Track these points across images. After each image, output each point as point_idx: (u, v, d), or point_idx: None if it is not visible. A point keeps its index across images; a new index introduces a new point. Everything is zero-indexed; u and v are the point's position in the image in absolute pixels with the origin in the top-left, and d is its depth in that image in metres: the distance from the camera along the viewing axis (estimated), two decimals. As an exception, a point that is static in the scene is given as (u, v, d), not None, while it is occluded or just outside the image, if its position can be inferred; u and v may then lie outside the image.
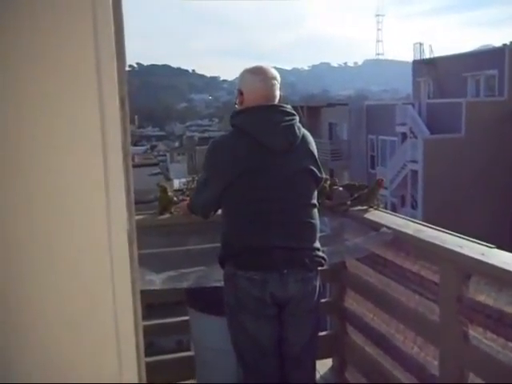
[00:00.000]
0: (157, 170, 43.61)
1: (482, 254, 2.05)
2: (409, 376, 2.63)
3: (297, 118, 2.38)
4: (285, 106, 2.38)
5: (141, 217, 2.97)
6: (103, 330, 0.75)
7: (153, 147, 72.64)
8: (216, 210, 2.46)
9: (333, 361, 3.41)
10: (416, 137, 20.47)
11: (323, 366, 3.43)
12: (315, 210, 2.41)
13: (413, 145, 20.45)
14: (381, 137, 24.65)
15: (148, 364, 2.77)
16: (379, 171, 23.50)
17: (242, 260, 2.29)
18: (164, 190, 2.99)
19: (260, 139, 2.27)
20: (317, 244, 2.38)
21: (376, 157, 25.31)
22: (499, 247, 2.11)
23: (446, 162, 18.62)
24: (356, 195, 3.02)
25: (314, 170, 2.40)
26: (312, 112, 29.56)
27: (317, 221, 2.40)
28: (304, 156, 2.39)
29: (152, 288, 2.44)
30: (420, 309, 2.48)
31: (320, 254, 2.37)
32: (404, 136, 21.79)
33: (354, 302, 3.16)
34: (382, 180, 3.13)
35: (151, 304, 3.34)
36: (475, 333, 2.11)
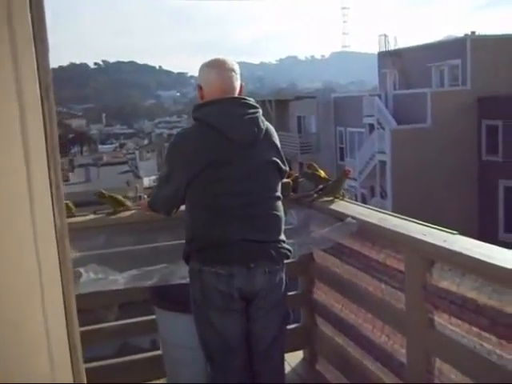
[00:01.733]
0: (126, 168, 43.20)
1: (445, 241, 2.06)
2: (378, 365, 2.63)
3: (260, 110, 2.37)
4: (247, 98, 2.37)
5: (102, 215, 2.90)
6: (33, 333, 0.71)
7: (122, 145, 71.80)
8: (179, 206, 2.42)
9: (304, 353, 3.41)
10: (383, 128, 20.70)
11: (294, 358, 3.42)
12: (280, 203, 2.40)
13: (380, 136, 20.68)
14: (349, 129, 24.86)
15: (121, 364, 2.74)
16: (348, 163, 23.71)
17: (207, 255, 2.25)
18: (101, 195, 2.94)
19: (224, 132, 2.24)
20: (282, 236, 2.36)
21: (345, 148, 25.53)
22: (462, 233, 2.12)
23: (413, 151, 18.90)
24: (321, 186, 3.01)
25: (278, 162, 2.39)
26: (280, 106, 29.60)
27: (282, 213, 2.39)
28: (268, 148, 2.37)
29: (115, 288, 2.39)
30: (387, 298, 2.48)
31: (286, 246, 2.36)
32: (372, 127, 22.01)
33: (322, 294, 3.16)
34: (349, 171, 3.13)
35: (124, 304, 3.27)
36: (440, 319, 2.13)
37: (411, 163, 18.78)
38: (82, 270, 2.43)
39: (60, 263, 0.72)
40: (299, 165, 26.72)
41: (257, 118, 2.32)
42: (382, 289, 2.52)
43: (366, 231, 2.55)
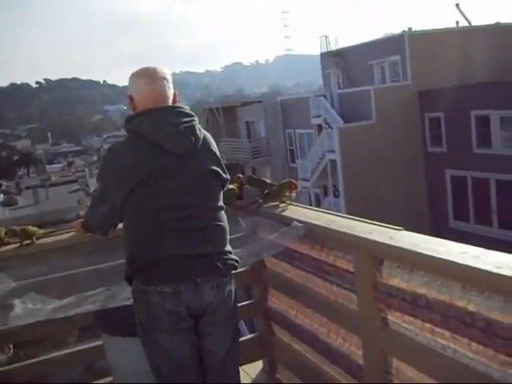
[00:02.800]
0: (76, 186, 42.20)
1: (391, 238, 2.03)
2: (337, 369, 2.59)
3: (196, 119, 2.27)
4: (182, 106, 2.27)
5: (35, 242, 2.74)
6: None
7: (70, 163, 70.16)
8: (116, 225, 2.29)
9: (263, 362, 3.34)
10: (331, 127, 20.93)
11: (254, 368, 3.35)
12: (223, 213, 2.31)
13: (329, 135, 20.89)
14: (298, 130, 25.02)
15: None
16: (299, 164, 23.88)
17: (150, 274, 2.13)
18: (12, 233, 2.68)
19: (159, 142, 2.13)
20: (228, 247, 2.27)
21: (295, 150, 25.67)
22: (415, 226, 2.10)
23: (361, 148, 19.17)
24: (266, 192, 2.94)
25: (219, 170, 2.30)
26: (228, 112, 29.56)
27: (226, 223, 2.30)
28: (207, 157, 2.28)
29: (55, 317, 2.25)
30: (339, 300, 2.44)
31: (232, 257, 2.27)
32: (320, 127, 22.23)
33: (277, 301, 3.10)
34: (293, 183, 2.97)
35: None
36: (393, 318, 2.09)
37: (360, 160, 19.05)
38: (17, 301, 2.28)
39: None
40: (252, 169, 26.73)
41: (193, 127, 2.22)
42: (334, 291, 2.47)
43: (314, 234, 2.50)
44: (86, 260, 2.75)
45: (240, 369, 3.31)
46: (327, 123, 21.37)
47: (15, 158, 74.40)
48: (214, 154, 2.32)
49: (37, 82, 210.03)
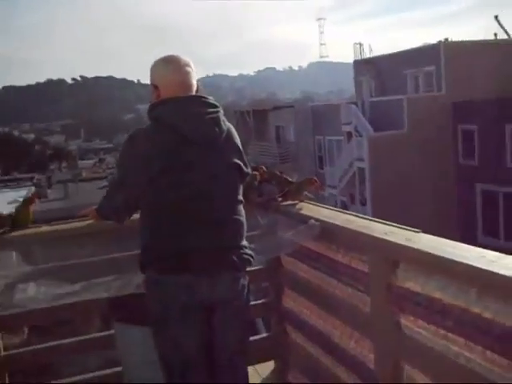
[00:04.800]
0: (105, 183, 42.77)
1: (408, 240, 1.97)
2: (348, 373, 2.54)
3: (221, 110, 2.23)
4: (207, 96, 2.23)
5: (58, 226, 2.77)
6: None
7: (101, 160, 71.17)
8: (132, 213, 2.28)
9: (275, 363, 3.29)
10: (361, 135, 20.77)
11: (265, 368, 3.31)
12: (241, 207, 2.28)
13: (358, 143, 20.74)
14: (327, 137, 24.93)
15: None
16: (328, 171, 23.77)
17: (165, 264, 2.11)
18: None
19: (183, 131, 2.09)
20: (244, 242, 2.24)
21: (324, 157, 25.56)
22: (425, 232, 2.04)
23: (390, 157, 18.97)
24: (286, 190, 2.92)
25: (240, 164, 2.27)
26: (259, 116, 29.62)
27: (243, 218, 2.27)
28: (229, 150, 2.24)
29: (68, 301, 2.26)
30: (353, 302, 2.39)
31: (248, 251, 2.24)
32: (350, 135, 22.08)
33: (291, 301, 3.06)
34: (314, 180, 2.96)
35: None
36: (407, 322, 2.04)
37: (389, 169, 18.85)
38: (32, 284, 2.30)
39: None
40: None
41: (218, 118, 2.19)
42: (348, 293, 2.43)
43: (331, 233, 2.46)
44: (102, 248, 2.76)
45: (251, 368, 3.30)
46: (357, 131, 21.22)
47: (48, 152, 75.98)
48: (237, 146, 2.29)
49: (72, 79, 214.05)
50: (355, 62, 27.10)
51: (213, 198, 2.15)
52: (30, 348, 2.81)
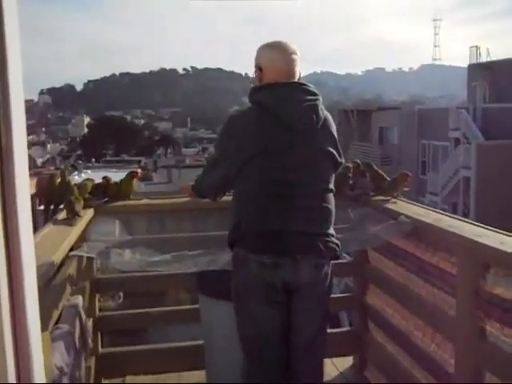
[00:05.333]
0: (206, 170, 44.08)
1: (501, 243, 1.90)
2: (427, 375, 2.48)
3: (320, 98, 2.26)
4: (307, 84, 2.27)
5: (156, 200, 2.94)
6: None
7: (204, 149, 73.44)
8: (226, 191, 2.38)
9: (353, 358, 3.28)
10: (469, 142, 19.83)
11: (344, 363, 3.31)
12: (331, 195, 2.29)
13: (466, 150, 19.83)
14: (433, 142, 24.03)
15: (157, 351, 2.72)
16: (430, 177, 22.92)
17: (253, 243, 2.18)
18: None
19: (281, 117, 2.15)
20: (331, 230, 2.26)
21: (427, 162, 24.68)
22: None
23: (501, 168, 17.92)
24: (380, 185, 2.89)
25: (334, 153, 2.29)
26: (362, 115, 29.13)
27: (333, 206, 2.29)
28: (325, 138, 2.27)
29: (158, 269, 2.40)
30: (439, 304, 2.33)
31: (334, 240, 2.26)
32: (457, 141, 21.17)
33: (375, 297, 3.03)
34: (408, 175, 2.93)
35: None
36: (492, 329, 1.96)
37: (498, 180, 17.83)
38: (128, 251, 2.47)
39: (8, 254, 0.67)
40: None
41: (316, 106, 2.22)
42: (434, 294, 2.37)
43: (420, 231, 2.41)
44: (198, 225, 2.89)
45: (329, 360, 3.31)
46: (466, 138, 20.29)
47: (156, 137, 79.55)
48: (333, 135, 2.31)
49: (184, 69, 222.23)
50: (470, 65, 25.88)
51: (304, 183, 2.19)
52: (121, 312, 3.01)
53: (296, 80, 2.27)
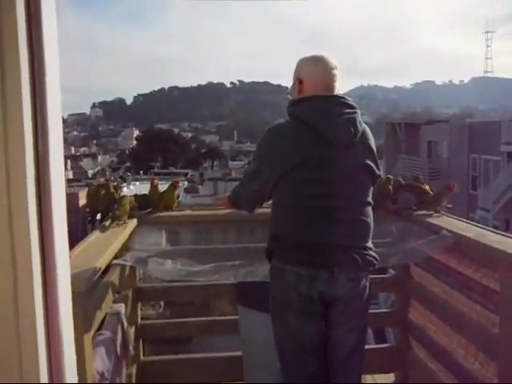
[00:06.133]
0: (252, 184, 44.36)
1: (546, 260, 1.84)
2: (469, 395, 2.41)
3: (358, 111, 2.27)
4: (346, 97, 2.28)
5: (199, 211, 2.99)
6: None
7: (250, 162, 73.73)
8: (262, 203, 2.40)
9: (395, 375, 3.22)
10: (523, 156, 19.22)
11: (385, 379, 3.27)
12: (370, 208, 2.28)
13: (518, 165, 19.20)
14: (484, 156, 23.39)
15: (198, 360, 2.75)
16: (481, 193, 22.30)
17: (291, 254, 2.20)
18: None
19: (321, 130, 2.16)
20: (369, 243, 2.25)
21: (478, 177, 24.02)
22: None
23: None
24: (422, 199, 2.85)
25: (372, 166, 2.28)
26: (410, 129, 28.66)
27: (371, 219, 2.27)
28: (363, 151, 2.27)
29: (198, 279, 2.44)
30: (481, 321, 2.27)
31: (372, 253, 2.24)
32: (510, 156, 20.53)
33: (417, 313, 2.98)
34: (453, 185, 2.92)
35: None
36: (537, 348, 1.90)
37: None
38: (169, 261, 2.52)
39: (43, 255, 0.71)
40: (426, 191, 25.55)
41: (354, 119, 2.23)
42: (477, 311, 2.31)
43: (463, 247, 2.36)
44: (240, 237, 2.92)
45: (371, 376, 3.27)
46: (519, 152, 19.66)
47: (203, 150, 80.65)
48: (371, 148, 2.30)
49: (231, 83, 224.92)
50: (523, 77, 25.07)
51: (343, 196, 2.20)
52: (163, 321, 3.06)
53: (335, 93, 2.28)
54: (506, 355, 2.05)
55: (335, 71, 2.28)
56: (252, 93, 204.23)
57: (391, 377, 3.25)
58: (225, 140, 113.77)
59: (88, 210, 3.04)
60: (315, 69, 2.28)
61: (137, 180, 37.33)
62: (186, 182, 42.68)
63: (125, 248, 2.58)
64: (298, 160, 2.17)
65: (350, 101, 2.27)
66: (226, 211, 2.92)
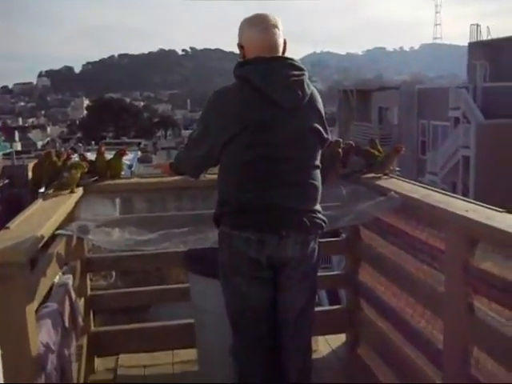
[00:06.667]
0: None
1: (490, 218, 1.88)
2: (417, 352, 2.48)
3: (306, 73, 2.22)
4: (293, 59, 2.22)
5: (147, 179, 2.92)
6: None
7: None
8: (208, 169, 2.34)
9: (346, 336, 3.29)
10: (469, 122, 19.74)
11: (337, 340, 3.33)
12: (318, 172, 2.26)
13: (465, 130, 19.75)
14: (432, 122, 23.91)
15: (150, 329, 2.73)
16: (430, 157, 22.86)
17: (238, 219, 2.16)
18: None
19: (268, 92, 2.11)
20: (318, 206, 2.24)
21: (427, 142, 24.59)
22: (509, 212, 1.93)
23: (501, 147, 17.86)
24: (371, 162, 2.87)
25: (320, 129, 2.25)
26: (362, 96, 28.94)
27: (319, 183, 2.26)
28: (311, 114, 2.23)
29: (147, 248, 2.39)
30: (428, 280, 2.32)
31: (321, 216, 2.23)
32: (457, 121, 21.06)
33: (367, 275, 3.03)
34: (401, 147, 2.94)
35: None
36: (480, 304, 1.95)
37: (497, 160, 17.77)
38: (117, 229, 2.45)
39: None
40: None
41: (302, 81, 2.18)
42: (424, 270, 2.36)
43: (410, 208, 2.39)
44: (189, 204, 2.87)
45: (323, 338, 3.33)
46: (465, 117, 20.18)
47: (155, 120, 79.31)
48: (319, 111, 2.27)
49: (183, 50, 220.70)
50: (471, 44, 25.66)
51: (290, 160, 2.16)
52: (112, 291, 3.01)
53: (280, 52, 2.22)
54: (452, 313, 2.11)
55: (275, 29, 2.20)
56: (204, 60, 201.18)
57: (343, 337, 3.32)
58: (177, 109, 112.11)
59: (33, 181, 2.92)
60: (253, 32, 2.21)
61: (88, 151, 36.46)
62: (139, 152, 41.99)
63: (70, 218, 2.50)
64: (244, 123, 2.12)
65: (298, 62, 2.21)
66: (175, 178, 2.86)
